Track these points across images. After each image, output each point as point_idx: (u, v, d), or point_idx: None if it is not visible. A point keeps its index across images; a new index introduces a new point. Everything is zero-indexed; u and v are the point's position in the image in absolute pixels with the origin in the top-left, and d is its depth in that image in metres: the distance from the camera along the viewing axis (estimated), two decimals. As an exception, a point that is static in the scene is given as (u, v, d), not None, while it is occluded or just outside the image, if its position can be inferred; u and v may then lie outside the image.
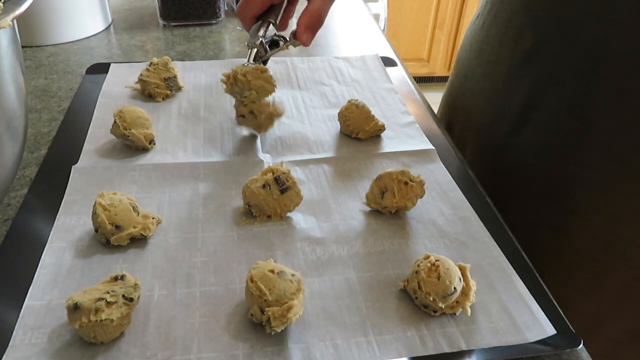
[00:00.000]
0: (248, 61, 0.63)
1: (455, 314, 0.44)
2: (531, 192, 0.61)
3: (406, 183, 0.53)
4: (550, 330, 0.43)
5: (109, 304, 0.39)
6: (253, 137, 0.65)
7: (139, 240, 0.50)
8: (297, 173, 0.60)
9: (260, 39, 0.62)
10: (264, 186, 0.51)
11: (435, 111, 0.78)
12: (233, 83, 0.61)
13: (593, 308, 0.46)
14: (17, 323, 0.41)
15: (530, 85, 0.62)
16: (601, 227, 0.56)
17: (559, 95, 0.59)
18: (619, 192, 0.55)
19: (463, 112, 0.76)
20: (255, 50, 0.63)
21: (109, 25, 0.99)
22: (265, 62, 0.66)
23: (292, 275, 0.43)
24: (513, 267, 0.48)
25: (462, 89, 0.77)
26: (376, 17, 2.23)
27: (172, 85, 0.73)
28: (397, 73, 0.83)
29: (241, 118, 0.63)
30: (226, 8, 1.03)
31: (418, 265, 0.45)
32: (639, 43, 0.51)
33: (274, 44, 0.66)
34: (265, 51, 0.64)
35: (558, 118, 0.60)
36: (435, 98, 0.99)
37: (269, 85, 0.61)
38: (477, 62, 0.72)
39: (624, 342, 0.43)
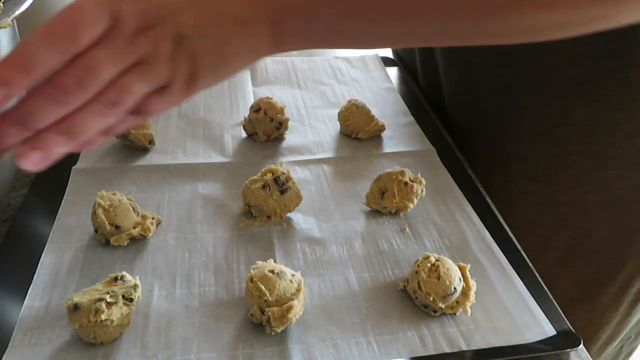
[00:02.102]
0: None
1: (455, 314, 0.44)
2: (476, 169, 0.64)
3: (406, 183, 0.53)
4: (550, 330, 0.43)
5: (108, 304, 0.39)
6: (252, 138, 0.65)
7: (138, 241, 0.50)
8: (297, 173, 0.59)
9: None
10: (263, 187, 0.51)
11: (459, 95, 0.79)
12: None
13: (542, 270, 0.49)
14: (17, 323, 0.41)
15: (457, 69, 0.66)
16: (539, 194, 0.60)
17: (483, 78, 0.62)
18: (551, 163, 0.59)
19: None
20: None
21: (109, 26, 0.99)
22: None
23: (292, 275, 0.43)
24: (513, 267, 0.48)
25: (412, 73, 0.81)
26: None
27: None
28: (397, 73, 0.83)
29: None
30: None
31: (418, 266, 0.44)
32: None
33: None
34: None
35: (487, 98, 0.63)
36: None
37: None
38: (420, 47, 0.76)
39: (567, 306, 0.45)
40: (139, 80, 0.32)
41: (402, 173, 0.53)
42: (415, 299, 0.44)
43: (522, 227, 0.59)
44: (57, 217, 0.52)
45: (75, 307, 0.39)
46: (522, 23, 0.33)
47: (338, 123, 0.68)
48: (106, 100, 0.31)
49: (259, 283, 0.41)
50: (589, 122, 0.57)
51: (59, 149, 0.32)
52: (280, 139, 0.65)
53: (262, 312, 0.41)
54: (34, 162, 0.31)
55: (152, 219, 0.51)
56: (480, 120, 0.66)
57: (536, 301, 0.45)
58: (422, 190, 0.54)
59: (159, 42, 0.31)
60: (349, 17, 0.33)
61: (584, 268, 0.63)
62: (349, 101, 0.67)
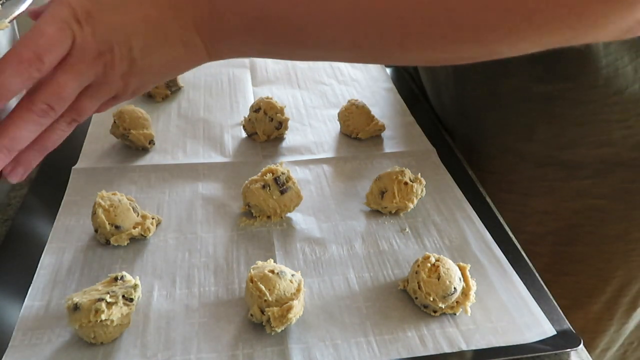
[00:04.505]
0: None
1: (455, 314, 0.44)
2: None
3: (406, 183, 0.53)
4: (550, 330, 0.43)
5: (108, 304, 0.39)
6: (252, 138, 0.65)
7: (138, 241, 0.50)
8: (297, 173, 0.59)
9: None
10: (263, 187, 0.51)
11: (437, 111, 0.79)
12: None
13: None
14: (17, 323, 0.41)
15: (432, 85, 0.71)
16: (516, 204, 0.63)
17: (449, 95, 0.67)
18: (521, 175, 0.63)
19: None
20: None
21: (109, 25, 0.99)
22: None
23: (292, 275, 0.43)
24: (513, 267, 0.48)
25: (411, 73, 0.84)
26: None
27: (171, 85, 0.73)
28: (397, 73, 0.83)
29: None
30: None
31: (418, 266, 0.44)
32: None
33: None
34: None
35: (454, 113, 0.68)
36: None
37: None
38: None
39: (566, 306, 0.46)
40: (95, 99, 0.38)
41: (402, 173, 0.53)
42: (415, 299, 0.44)
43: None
44: (57, 217, 0.52)
45: (75, 307, 0.39)
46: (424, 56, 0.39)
47: (338, 123, 0.68)
48: (69, 119, 0.38)
49: (259, 283, 0.41)
50: (553, 138, 0.58)
51: (36, 161, 0.39)
52: (280, 139, 0.66)
53: (262, 312, 0.41)
54: (19, 176, 0.39)
55: (152, 219, 0.51)
56: (454, 133, 0.69)
57: (536, 301, 0.45)
58: (422, 190, 0.54)
59: (115, 64, 0.36)
60: (275, 45, 0.38)
61: (572, 277, 0.64)
62: (349, 101, 0.67)
